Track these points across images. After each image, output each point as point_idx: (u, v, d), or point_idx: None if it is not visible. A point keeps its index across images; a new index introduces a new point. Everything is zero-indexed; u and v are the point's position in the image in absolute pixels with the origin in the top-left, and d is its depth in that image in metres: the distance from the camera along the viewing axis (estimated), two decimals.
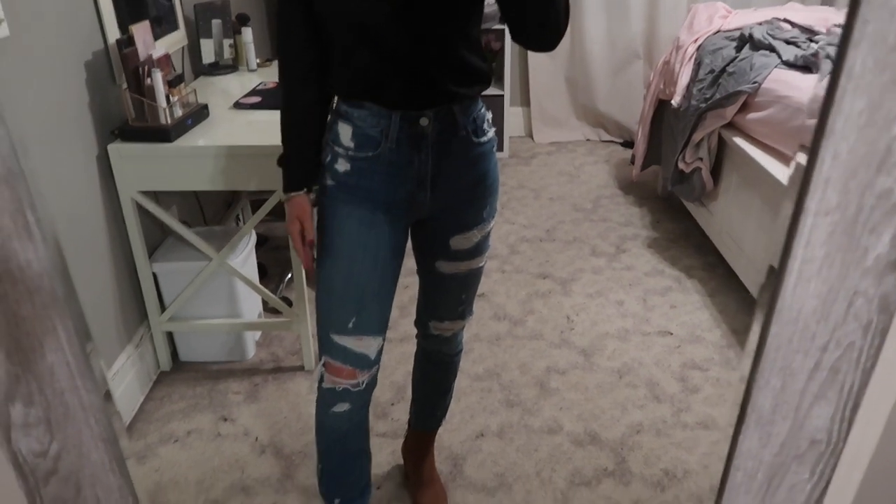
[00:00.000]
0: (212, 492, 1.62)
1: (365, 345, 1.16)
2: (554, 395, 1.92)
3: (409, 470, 1.62)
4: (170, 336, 2.05)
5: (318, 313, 1.18)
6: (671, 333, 2.18)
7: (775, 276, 0.54)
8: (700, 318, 2.26)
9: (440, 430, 1.68)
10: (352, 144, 1.11)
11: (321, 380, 1.19)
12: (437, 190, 1.15)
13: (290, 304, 2.06)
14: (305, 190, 1.20)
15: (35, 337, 0.54)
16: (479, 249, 1.26)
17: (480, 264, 1.30)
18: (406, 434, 1.64)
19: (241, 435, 1.79)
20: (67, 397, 0.57)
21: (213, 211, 2.45)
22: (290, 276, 2.43)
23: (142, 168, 1.73)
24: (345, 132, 1.11)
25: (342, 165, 1.12)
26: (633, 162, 3.11)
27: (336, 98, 1.15)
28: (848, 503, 0.62)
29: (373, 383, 1.21)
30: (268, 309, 2.28)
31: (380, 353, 1.19)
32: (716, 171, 2.41)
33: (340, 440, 1.25)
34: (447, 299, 1.33)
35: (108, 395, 0.59)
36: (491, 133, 1.19)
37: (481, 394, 1.92)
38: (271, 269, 2.50)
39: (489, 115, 1.19)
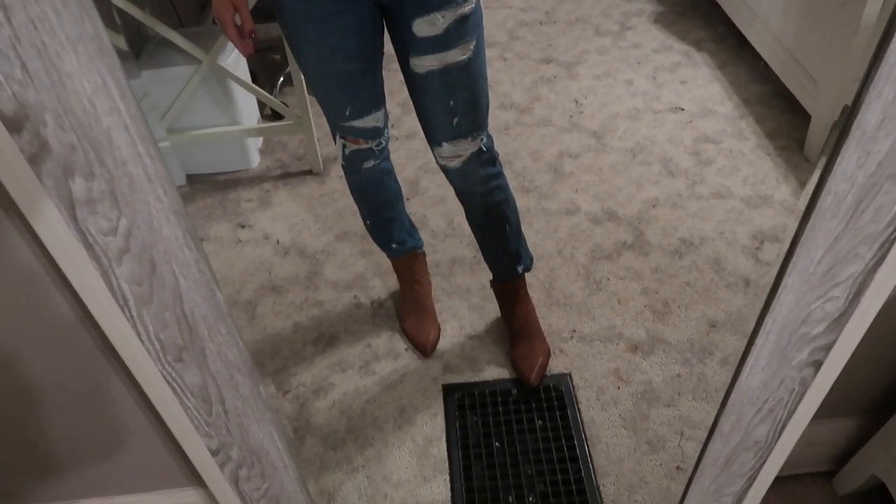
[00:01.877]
0: (243, 293, 1.65)
1: (369, 121, 1.20)
2: (568, 178, 1.91)
3: (504, 321, 1.51)
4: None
5: (319, 102, 1.20)
6: (682, 109, 2.13)
7: None
8: (711, 91, 2.20)
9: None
10: None
11: (344, 148, 1.26)
12: None
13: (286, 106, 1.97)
14: None
15: (85, 96, 0.48)
16: (451, 38, 1.03)
17: (462, 58, 1.05)
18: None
19: (262, 239, 1.79)
20: (131, 167, 0.53)
21: (187, 14, 2.25)
22: (282, 79, 2.30)
23: None
24: None
25: None
26: None
27: None
28: None
29: (388, 138, 1.29)
30: (264, 116, 2.18)
31: (386, 118, 1.24)
32: None
33: (378, 189, 1.35)
34: (434, 109, 1.13)
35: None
36: None
37: None
38: (261, 74, 2.36)
39: None
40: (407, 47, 1.07)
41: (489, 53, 2.45)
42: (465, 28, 1.04)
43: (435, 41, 1.04)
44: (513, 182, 1.90)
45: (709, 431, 0.90)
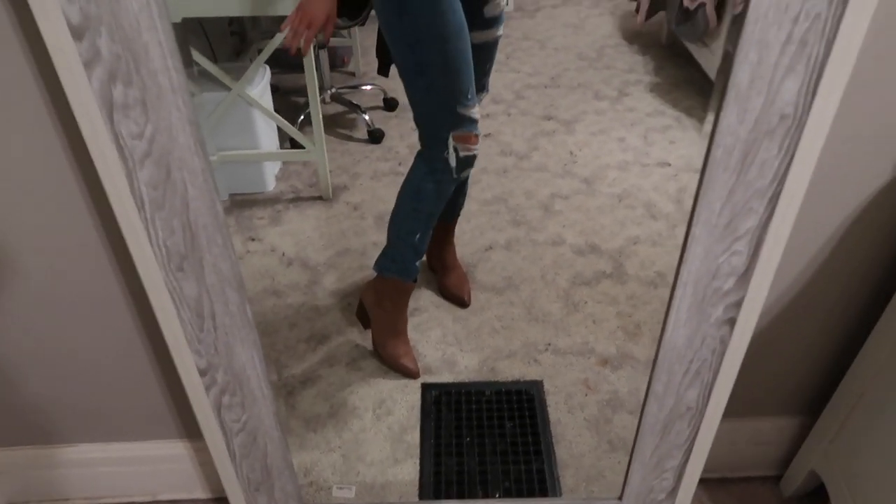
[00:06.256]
0: (248, 295, 1.78)
1: (477, 109, 1.38)
2: (558, 215, 2.06)
3: (434, 260, 1.77)
4: None
5: (436, 97, 1.33)
6: (669, 164, 2.30)
7: None
8: (697, 151, 2.36)
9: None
10: None
11: (457, 153, 1.39)
12: None
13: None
14: None
15: (132, 13, 0.64)
16: (501, 18, 1.38)
17: (501, 33, 1.41)
18: None
19: (269, 251, 1.94)
20: (160, 78, 0.68)
21: (224, 54, 2.49)
22: (302, 118, 2.51)
23: None
24: None
25: None
26: (637, 10, 3.10)
27: None
28: (808, 175, 0.74)
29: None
30: (284, 148, 2.38)
31: None
32: (720, 7, 2.43)
33: (443, 201, 1.49)
34: (476, 72, 1.39)
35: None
36: None
37: (490, 215, 2.06)
38: (283, 114, 2.57)
39: None
40: (473, 25, 1.31)
41: (496, 108, 2.66)
42: (504, 12, 1.40)
43: (495, 20, 1.37)
44: (505, 217, 2.05)
45: (645, 394, 1.00)
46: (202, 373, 0.93)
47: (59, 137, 0.80)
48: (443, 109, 1.34)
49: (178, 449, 1.23)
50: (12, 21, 0.70)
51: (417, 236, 1.52)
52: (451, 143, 1.38)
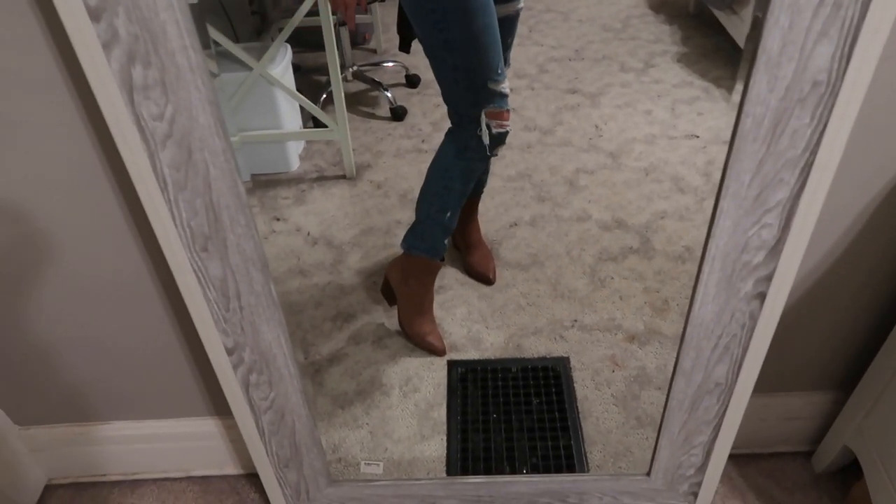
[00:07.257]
0: (273, 275, 1.79)
1: (507, 84, 1.36)
2: (583, 190, 2.03)
3: (458, 237, 1.76)
4: None
5: (466, 74, 1.31)
6: (697, 136, 2.25)
7: None
8: (726, 122, 2.30)
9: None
10: None
11: (490, 130, 1.37)
12: None
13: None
14: None
15: None
16: None
17: (521, 6, 1.38)
18: None
19: (294, 231, 1.95)
20: (178, 58, 0.68)
21: (245, 34, 2.49)
22: (324, 96, 2.50)
23: None
24: None
25: None
26: None
27: None
28: (842, 145, 0.72)
29: None
30: (307, 128, 2.38)
31: None
32: None
33: (474, 179, 1.49)
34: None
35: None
36: None
37: (514, 192, 2.04)
38: (305, 93, 2.57)
39: None
40: None
41: (519, 83, 2.62)
42: None
43: None
44: (530, 192, 2.03)
45: (672, 370, 0.99)
46: (229, 352, 0.94)
47: (83, 121, 0.80)
48: (473, 86, 1.32)
49: (209, 426, 1.25)
50: (31, 3, 0.70)
51: (448, 214, 1.51)
52: (483, 120, 1.36)
